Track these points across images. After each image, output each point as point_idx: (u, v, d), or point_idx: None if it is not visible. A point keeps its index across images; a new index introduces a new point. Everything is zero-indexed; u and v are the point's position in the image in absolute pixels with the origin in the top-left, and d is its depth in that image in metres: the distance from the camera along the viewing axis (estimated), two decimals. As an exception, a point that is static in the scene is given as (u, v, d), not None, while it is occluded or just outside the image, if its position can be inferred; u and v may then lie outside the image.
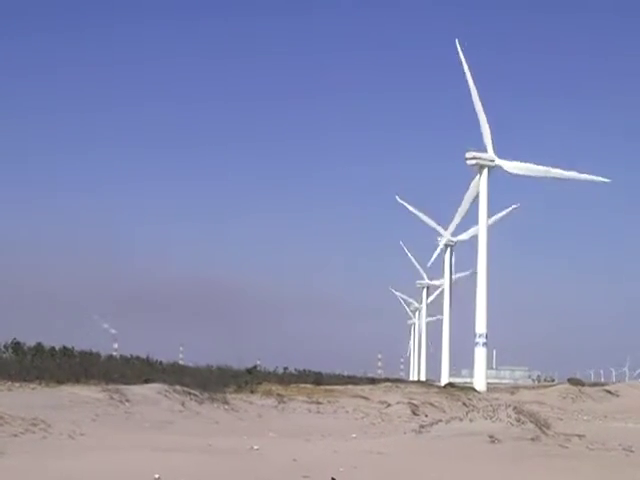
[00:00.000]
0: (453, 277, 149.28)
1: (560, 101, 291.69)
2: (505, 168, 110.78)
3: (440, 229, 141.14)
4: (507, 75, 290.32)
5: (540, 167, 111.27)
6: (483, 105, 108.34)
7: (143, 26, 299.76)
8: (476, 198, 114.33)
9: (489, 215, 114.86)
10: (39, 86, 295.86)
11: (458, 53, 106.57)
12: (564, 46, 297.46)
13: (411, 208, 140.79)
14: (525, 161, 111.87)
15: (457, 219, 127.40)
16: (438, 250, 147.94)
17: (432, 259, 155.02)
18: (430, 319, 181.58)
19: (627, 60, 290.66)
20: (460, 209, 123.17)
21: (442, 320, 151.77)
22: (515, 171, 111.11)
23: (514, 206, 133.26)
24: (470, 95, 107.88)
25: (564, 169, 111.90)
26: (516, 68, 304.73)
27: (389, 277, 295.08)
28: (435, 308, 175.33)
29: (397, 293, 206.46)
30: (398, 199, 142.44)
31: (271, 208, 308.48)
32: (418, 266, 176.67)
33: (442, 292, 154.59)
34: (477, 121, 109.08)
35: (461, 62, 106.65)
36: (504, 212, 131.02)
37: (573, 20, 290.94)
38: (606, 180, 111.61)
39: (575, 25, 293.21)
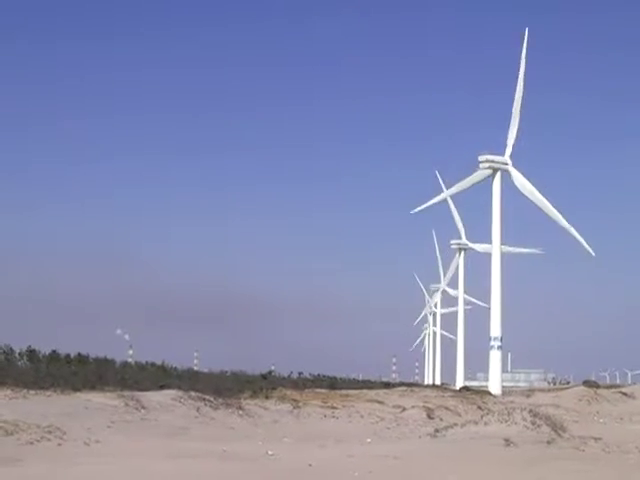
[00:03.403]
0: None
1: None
2: (513, 179, 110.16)
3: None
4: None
5: (544, 200, 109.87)
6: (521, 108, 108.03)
7: (145, 32, 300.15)
8: (477, 183, 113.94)
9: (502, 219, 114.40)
10: (44, 93, 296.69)
11: (523, 46, 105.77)
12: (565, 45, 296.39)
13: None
14: (536, 182, 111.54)
15: (455, 189, 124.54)
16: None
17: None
18: (445, 311, 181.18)
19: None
20: (462, 183, 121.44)
21: (456, 320, 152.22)
22: (519, 187, 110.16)
23: (535, 250, 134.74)
24: (515, 91, 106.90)
25: (565, 217, 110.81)
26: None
27: (402, 280, 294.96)
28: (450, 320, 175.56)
29: (420, 284, 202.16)
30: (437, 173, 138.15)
31: (281, 213, 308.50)
32: (441, 266, 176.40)
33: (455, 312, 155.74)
34: (508, 121, 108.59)
35: (520, 56, 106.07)
36: (523, 250, 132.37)
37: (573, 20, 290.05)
38: (592, 254, 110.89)
39: (576, 25, 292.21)
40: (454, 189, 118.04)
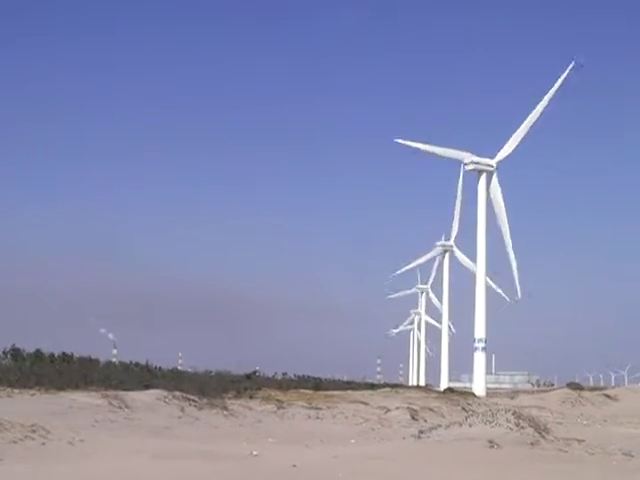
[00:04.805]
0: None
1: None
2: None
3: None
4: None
5: (503, 214, 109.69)
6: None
7: (144, 29, 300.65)
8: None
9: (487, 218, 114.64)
10: (39, 89, 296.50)
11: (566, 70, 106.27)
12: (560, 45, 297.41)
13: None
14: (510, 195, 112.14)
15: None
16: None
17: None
18: (429, 318, 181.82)
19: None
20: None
21: (440, 325, 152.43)
22: (490, 191, 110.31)
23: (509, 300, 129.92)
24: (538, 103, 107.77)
25: (513, 248, 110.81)
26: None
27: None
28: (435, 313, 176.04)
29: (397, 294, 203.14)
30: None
31: (269, 212, 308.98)
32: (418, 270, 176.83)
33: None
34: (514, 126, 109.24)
35: (561, 75, 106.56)
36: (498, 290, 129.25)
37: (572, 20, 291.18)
38: (517, 297, 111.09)
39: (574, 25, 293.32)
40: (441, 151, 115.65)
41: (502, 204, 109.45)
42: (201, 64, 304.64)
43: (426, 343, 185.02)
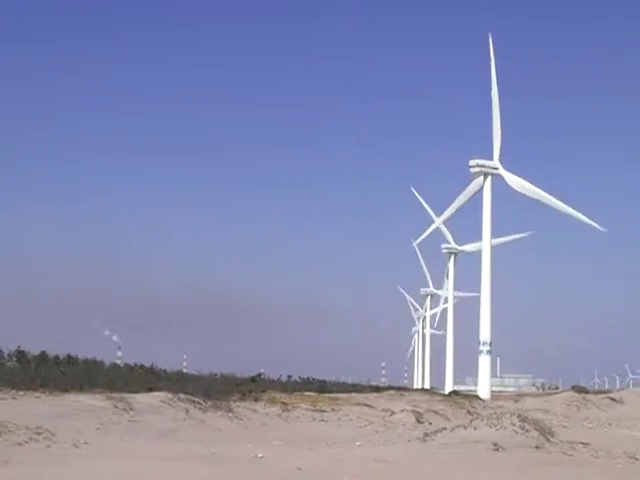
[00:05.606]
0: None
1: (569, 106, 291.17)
2: (506, 180, 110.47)
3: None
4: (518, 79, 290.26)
5: (541, 192, 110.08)
6: (500, 110, 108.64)
7: (144, 32, 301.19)
8: (472, 196, 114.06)
9: (493, 224, 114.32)
10: (37, 91, 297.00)
11: (489, 48, 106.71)
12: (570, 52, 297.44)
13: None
14: (528, 178, 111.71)
15: (450, 211, 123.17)
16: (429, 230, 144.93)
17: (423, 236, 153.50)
18: (434, 311, 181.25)
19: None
20: (456, 202, 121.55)
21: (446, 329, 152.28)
22: (514, 186, 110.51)
23: (523, 235, 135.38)
24: (490, 95, 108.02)
25: (564, 201, 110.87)
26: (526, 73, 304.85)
27: (393, 285, 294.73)
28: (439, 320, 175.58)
29: (406, 295, 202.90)
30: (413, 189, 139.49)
31: (273, 215, 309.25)
32: (426, 271, 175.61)
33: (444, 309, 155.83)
34: (490, 125, 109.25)
35: (489, 59, 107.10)
36: (512, 237, 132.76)
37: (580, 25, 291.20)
38: (602, 229, 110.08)
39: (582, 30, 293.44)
40: (453, 206, 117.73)
41: (530, 185, 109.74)
42: (202, 67, 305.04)
43: (432, 326, 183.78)
